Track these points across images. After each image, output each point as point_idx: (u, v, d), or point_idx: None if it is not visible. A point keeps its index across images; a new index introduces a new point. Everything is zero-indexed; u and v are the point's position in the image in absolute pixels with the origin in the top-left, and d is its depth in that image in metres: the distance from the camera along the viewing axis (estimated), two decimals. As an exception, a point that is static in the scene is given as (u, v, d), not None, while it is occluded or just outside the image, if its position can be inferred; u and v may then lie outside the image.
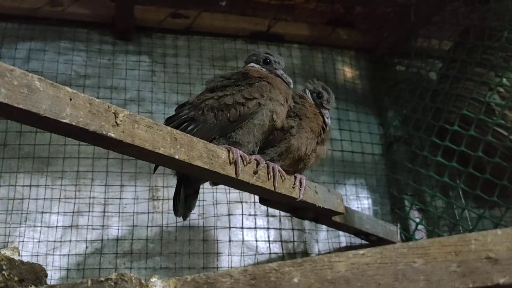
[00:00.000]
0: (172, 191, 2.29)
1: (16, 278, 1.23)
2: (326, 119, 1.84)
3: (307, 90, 1.92)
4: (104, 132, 1.26)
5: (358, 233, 2.35)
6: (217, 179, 1.64)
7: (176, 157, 1.43)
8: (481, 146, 2.26)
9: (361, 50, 3.09)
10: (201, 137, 1.53)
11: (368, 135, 2.88)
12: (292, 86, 1.80)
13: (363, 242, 2.48)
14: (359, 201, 2.74)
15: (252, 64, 1.83)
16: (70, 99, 1.21)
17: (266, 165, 1.68)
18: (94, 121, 1.24)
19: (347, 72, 3.04)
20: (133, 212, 2.37)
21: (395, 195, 2.73)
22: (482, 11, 2.43)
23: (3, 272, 1.22)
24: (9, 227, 2.20)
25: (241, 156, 1.59)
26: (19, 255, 1.29)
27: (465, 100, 2.41)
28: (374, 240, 2.40)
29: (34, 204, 2.27)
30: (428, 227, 2.57)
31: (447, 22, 2.66)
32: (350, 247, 2.60)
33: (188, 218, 1.86)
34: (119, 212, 2.35)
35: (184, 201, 1.75)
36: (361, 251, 0.96)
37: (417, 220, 2.62)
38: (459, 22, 2.60)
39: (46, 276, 1.37)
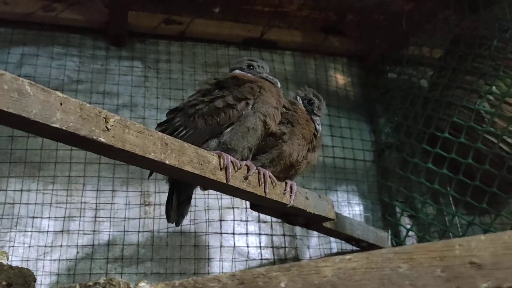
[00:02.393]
0: (164, 197, 2.30)
1: (4, 283, 1.23)
2: (317, 126, 1.86)
3: (298, 97, 1.93)
4: (94, 137, 1.26)
5: (349, 239, 2.36)
6: (207, 184, 1.65)
7: (167, 162, 1.44)
8: (471, 153, 2.29)
9: (353, 57, 3.12)
10: (192, 142, 1.54)
11: (360, 142, 2.90)
12: (279, 85, 1.81)
13: (354, 248, 2.49)
14: (351, 207, 2.76)
15: (237, 71, 1.84)
16: (61, 104, 1.22)
17: (257, 171, 1.69)
18: (84, 126, 1.25)
19: (339, 79, 3.06)
20: (125, 218, 2.36)
21: (386, 202, 2.75)
22: (472, 19, 2.46)
23: (-9, 276, 1.22)
24: (-1, 232, 2.20)
25: (232, 162, 1.59)
26: (7, 260, 1.29)
27: (456, 108, 2.44)
28: (364, 246, 2.41)
29: (25, 209, 2.27)
30: (418, 234, 2.59)
31: (438, 30, 2.69)
32: (341, 253, 2.60)
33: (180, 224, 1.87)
34: (110, 218, 2.34)
35: (177, 207, 1.75)
36: (347, 256, 0.97)
37: (408, 226, 2.63)
38: (450, 31, 2.62)
39: (35, 280, 1.37)
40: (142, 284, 1.16)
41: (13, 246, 2.18)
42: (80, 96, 2.54)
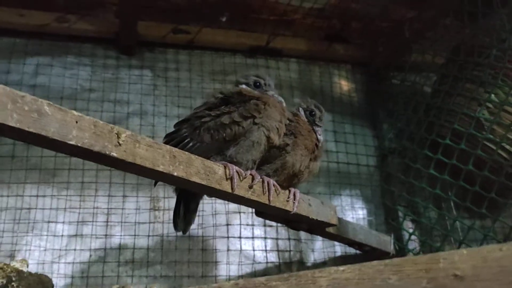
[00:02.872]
0: (172, 202, 2.38)
1: (25, 289, 1.32)
2: (319, 136, 1.94)
3: (300, 108, 2.01)
4: (107, 152, 1.35)
5: (351, 243, 2.43)
6: (214, 194, 1.73)
7: (175, 174, 1.52)
8: (471, 160, 2.35)
9: (357, 64, 3.19)
10: (198, 155, 1.62)
11: (363, 147, 2.97)
12: (284, 104, 1.88)
13: (358, 252, 2.57)
14: (354, 212, 2.83)
15: (243, 86, 1.91)
16: (76, 122, 1.30)
17: (261, 179, 1.77)
18: (98, 142, 1.34)
19: (344, 85, 3.13)
20: (135, 222, 2.46)
21: (389, 206, 2.81)
22: (472, 28, 2.52)
23: (13, 283, 1.31)
24: (16, 236, 2.30)
25: (237, 172, 1.68)
26: (27, 267, 1.37)
27: (456, 115, 2.50)
28: (367, 250, 2.49)
29: (40, 214, 2.37)
30: (421, 238, 2.66)
31: (439, 38, 2.75)
32: (345, 257, 2.68)
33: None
34: (121, 222, 2.44)
35: (184, 216, 1.84)
36: (341, 268, 1.05)
37: (410, 230, 2.69)
38: (451, 39, 2.68)
39: (53, 286, 1.46)
40: (152, 290, 1.25)
41: (30, 250, 2.28)
42: (92, 104, 2.64)
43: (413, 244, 2.65)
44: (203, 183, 1.60)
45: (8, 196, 2.36)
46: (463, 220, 2.50)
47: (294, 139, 1.85)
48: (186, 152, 1.58)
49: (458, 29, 2.60)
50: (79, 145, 1.29)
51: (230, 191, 1.68)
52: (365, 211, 2.85)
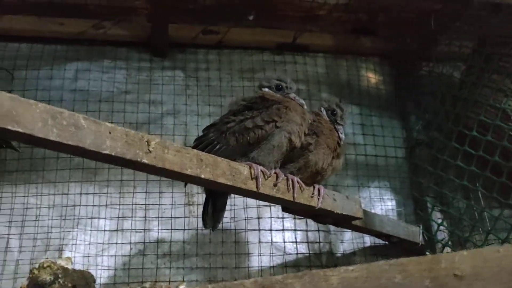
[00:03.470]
0: (206, 197, 2.51)
1: (70, 285, 1.47)
2: (341, 135, 2.01)
3: (322, 108, 2.08)
4: (138, 159, 1.47)
5: (379, 235, 2.50)
6: (240, 193, 1.84)
7: (202, 176, 1.63)
8: (498, 151, 2.35)
9: (384, 56, 3.20)
10: (225, 157, 1.72)
11: (392, 139, 3.00)
12: (305, 107, 1.95)
13: (386, 242, 2.63)
14: (383, 203, 2.88)
15: (266, 89, 2.00)
16: (110, 132, 1.43)
17: (285, 177, 1.86)
18: (130, 150, 1.46)
19: (371, 78, 3.16)
20: (171, 217, 2.60)
21: (418, 197, 2.84)
22: (496, 19, 2.50)
23: (59, 279, 1.47)
24: (63, 231, 2.48)
25: (261, 171, 1.77)
26: (72, 264, 1.52)
27: (483, 106, 2.49)
28: (395, 241, 2.55)
29: (84, 210, 2.55)
30: (449, 228, 2.68)
31: (465, 29, 2.73)
32: (374, 247, 2.74)
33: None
34: (158, 217, 2.59)
35: (212, 214, 1.96)
36: (350, 268, 1.13)
37: (439, 221, 2.72)
38: (477, 30, 2.66)
39: (94, 281, 1.61)
40: (181, 286, 1.37)
41: (76, 244, 2.46)
42: (128, 105, 2.79)
43: (442, 234, 2.67)
44: (229, 183, 1.71)
45: (54, 194, 2.54)
46: (491, 210, 2.51)
47: (316, 138, 1.93)
48: (212, 155, 1.69)
49: (483, 20, 2.58)
50: (112, 154, 1.41)
51: (255, 190, 1.78)
52: (394, 203, 2.89)
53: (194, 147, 1.95)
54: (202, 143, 1.92)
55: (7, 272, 2.37)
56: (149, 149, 1.51)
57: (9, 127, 1.23)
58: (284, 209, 2.21)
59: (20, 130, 1.24)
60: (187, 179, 1.68)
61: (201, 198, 2.65)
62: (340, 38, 3.11)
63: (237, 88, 2.94)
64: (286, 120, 1.83)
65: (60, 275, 1.42)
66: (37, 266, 1.46)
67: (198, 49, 3.01)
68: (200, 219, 2.58)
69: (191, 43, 2.98)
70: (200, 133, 2.69)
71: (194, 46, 3.00)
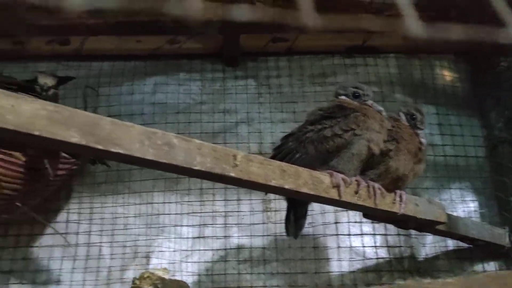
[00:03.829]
0: (282, 203, 2.56)
1: (168, 295, 1.56)
2: (422, 139, 1.97)
3: (401, 113, 2.05)
4: (226, 173, 1.54)
5: (463, 238, 2.42)
6: (321, 201, 1.86)
7: (286, 187, 1.68)
8: None
9: (459, 53, 3.09)
10: (304, 166, 1.76)
11: (471, 138, 2.88)
12: (384, 113, 1.94)
13: (471, 246, 2.55)
14: (465, 204, 2.78)
15: (342, 97, 2.00)
16: (199, 149, 1.50)
17: (366, 184, 1.87)
18: (218, 164, 1.53)
19: (446, 76, 3.07)
20: (250, 223, 2.66)
21: (502, 198, 2.72)
22: None
23: (158, 289, 1.56)
24: (149, 239, 2.62)
25: (342, 179, 1.79)
26: (168, 275, 1.61)
27: None
28: (480, 245, 2.46)
29: (168, 219, 2.66)
30: (537, 229, 2.55)
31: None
32: (457, 251, 2.66)
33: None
34: (237, 224, 2.66)
35: (295, 222, 1.99)
36: (449, 280, 1.13)
37: (527, 222, 2.60)
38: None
39: (189, 290, 1.70)
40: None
41: (162, 251, 2.59)
42: (204, 115, 2.89)
43: (530, 236, 2.55)
44: (311, 193, 1.74)
45: (140, 204, 2.68)
46: None
47: (396, 144, 1.91)
48: (294, 166, 1.73)
49: None
50: (202, 169, 1.49)
51: (337, 198, 1.80)
52: (476, 204, 2.79)
53: (273, 157, 2.00)
54: (281, 152, 1.96)
55: (101, 278, 2.53)
56: (235, 163, 1.57)
57: (112, 149, 1.33)
58: (365, 216, 2.20)
59: (120, 151, 1.34)
60: (271, 190, 1.73)
61: (278, 204, 2.69)
62: (412, 37, 3.04)
63: (309, 93, 2.96)
64: (364, 128, 1.83)
65: (159, 285, 1.51)
66: (138, 276, 1.57)
67: (269, 57, 3.06)
68: (278, 225, 2.65)
69: (262, 52, 3.03)
70: (274, 140, 2.76)
71: (264, 54, 3.05)
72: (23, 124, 1.20)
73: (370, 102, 1.95)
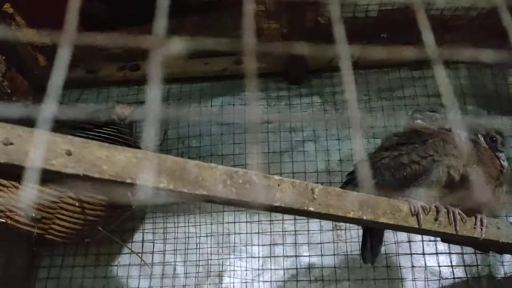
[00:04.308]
0: (352, 221, 2.53)
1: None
2: (503, 162, 1.90)
3: (479, 135, 1.98)
4: (305, 208, 1.54)
5: (545, 258, 2.31)
6: (400, 230, 1.83)
7: (364, 218, 1.66)
8: None
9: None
10: (379, 193, 1.73)
11: (552, 151, 2.74)
12: (463, 137, 1.87)
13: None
14: (547, 222, 2.65)
15: (418, 121, 1.95)
16: (278, 185, 1.52)
17: (446, 210, 1.81)
18: (297, 200, 1.53)
19: (522, 84, 2.93)
20: (320, 242, 2.66)
21: None
22: None
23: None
24: (221, 258, 2.68)
25: (421, 207, 1.75)
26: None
27: None
28: None
29: (238, 238, 2.71)
30: None
31: None
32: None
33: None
34: (308, 243, 2.67)
35: (371, 249, 1.97)
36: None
37: None
38: None
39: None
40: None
41: (234, 270, 2.64)
42: (270, 135, 2.91)
43: None
44: (390, 222, 1.71)
45: (211, 223, 2.75)
46: None
47: (476, 167, 1.85)
48: (372, 196, 1.71)
49: None
50: (282, 205, 1.50)
51: (416, 226, 1.76)
52: (558, 221, 2.65)
53: (347, 182, 1.99)
54: (355, 179, 1.94)
55: (177, 297, 2.62)
56: (313, 197, 1.58)
57: (197, 192, 1.37)
58: (443, 240, 2.15)
59: (205, 193, 1.38)
60: (350, 221, 1.72)
61: (348, 222, 2.67)
62: (482, 45, 2.93)
63: (375, 108, 2.92)
64: (443, 153, 1.78)
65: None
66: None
67: (334, 73, 3.04)
68: (348, 244, 2.63)
69: (327, 67, 3.01)
70: (342, 158, 2.75)
71: (329, 70, 3.03)
72: (118, 173, 1.26)
73: (448, 125, 1.89)
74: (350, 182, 1.92)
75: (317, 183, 1.72)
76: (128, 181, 1.30)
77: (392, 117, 2.85)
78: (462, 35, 2.93)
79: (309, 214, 1.61)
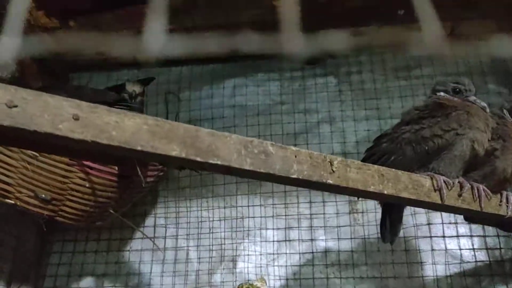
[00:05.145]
0: (369, 205, 2.46)
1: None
2: (529, 138, 1.81)
3: (504, 110, 1.89)
4: (324, 180, 1.47)
5: None
6: (422, 206, 1.75)
7: (385, 192, 1.58)
8: None
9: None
10: (401, 169, 1.65)
11: None
12: (488, 110, 1.79)
13: None
14: None
15: (441, 93, 1.86)
16: (295, 156, 1.45)
17: (470, 186, 1.73)
18: (315, 172, 1.46)
19: (547, 61, 2.82)
20: (336, 225, 2.58)
21: None
22: None
23: (258, 301, 1.53)
24: (235, 243, 2.61)
25: (444, 182, 1.67)
26: (266, 285, 1.58)
27: None
28: None
29: (252, 222, 2.65)
30: None
31: None
32: None
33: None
34: (323, 226, 2.59)
35: (390, 227, 1.89)
36: None
37: None
38: None
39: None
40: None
41: (248, 255, 2.57)
42: (284, 116, 2.84)
43: None
44: (412, 197, 1.63)
45: (224, 207, 2.69)
46: None
47: (502, 143, 1.76)
48: (393, 169, 1.63)
49: None
50: (300, 177, 1.43)
51: (439, 202, 1.68)
52: None
53: (365, 158, 1.91)
54: (374, 154, 1.87)
55: (190, 282, 2.56)
56: (332, 169, 1.50)
57: (211, 161, 1.30)
58: (466, 219, 2.06)
59: (219, 163, 1.31)
60: (370, 196, 1.64)
61: (364, 205, 2.60)
62: (504, 23, 2.82)
63: (393, 88, 2.82)
64: (467, 127, 1.69)
65: (258, 297, 1.50)
66: (237, 287, 1.56)
67: (349, 52, 2.95)
68: (365, 227, 2.55)
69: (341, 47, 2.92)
70: (358, 139, 2.66)
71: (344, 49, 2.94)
72: (127, 139, 1.20)
73: (472, 98, 1.80)
74: (369, 157, 1.84)
75: (333, 166, 1.63)
76: (138, 148, 1.24)
77: (409, 98, 2.76)
78: (482, 13, 2.82)
79: (327, 188, 1.53)
